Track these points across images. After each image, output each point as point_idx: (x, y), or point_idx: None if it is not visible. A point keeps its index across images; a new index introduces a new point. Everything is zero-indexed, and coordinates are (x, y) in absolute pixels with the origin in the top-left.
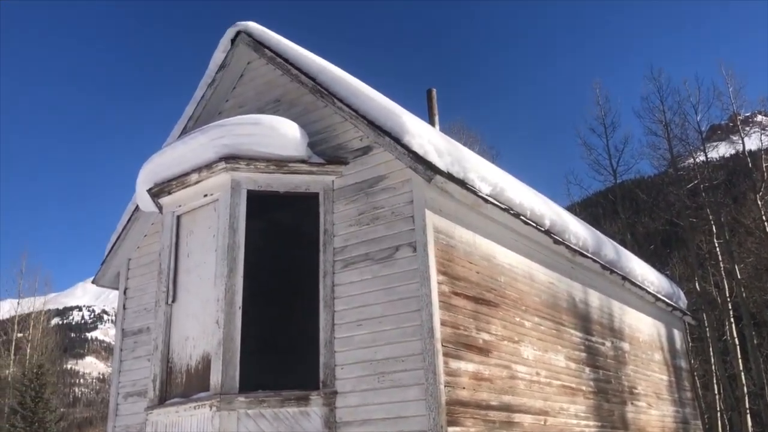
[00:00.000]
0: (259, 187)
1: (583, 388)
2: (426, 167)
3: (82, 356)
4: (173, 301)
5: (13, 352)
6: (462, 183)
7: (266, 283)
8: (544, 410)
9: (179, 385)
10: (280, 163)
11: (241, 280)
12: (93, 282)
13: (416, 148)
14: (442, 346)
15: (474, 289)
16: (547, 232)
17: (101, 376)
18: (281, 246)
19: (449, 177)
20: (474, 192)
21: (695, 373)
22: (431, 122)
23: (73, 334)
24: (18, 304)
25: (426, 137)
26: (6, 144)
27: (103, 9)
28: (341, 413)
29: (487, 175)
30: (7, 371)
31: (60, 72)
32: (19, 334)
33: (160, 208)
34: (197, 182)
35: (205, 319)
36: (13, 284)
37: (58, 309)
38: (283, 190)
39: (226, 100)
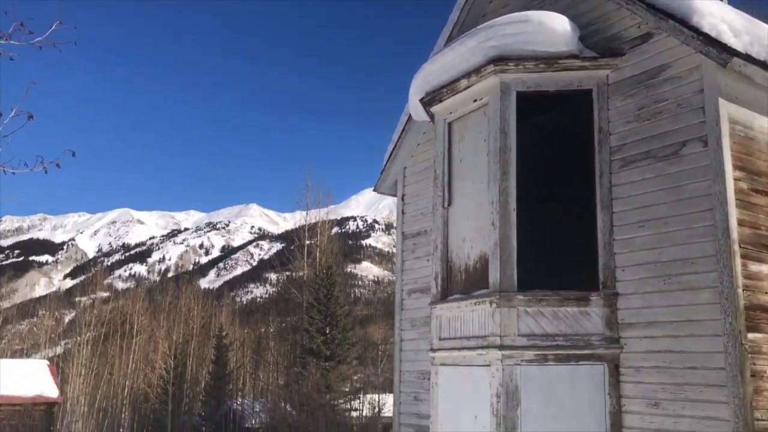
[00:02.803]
0: (528, 87)
1: None
2: (720, 50)
3: (359, 261)
4: (449, 205)
5: (305, 255)
6: (764, 65)
7: (538, 185)
8: None
9: (459, 283)
10: (549, 61)
11: (514, 182)
12: (374, 190)
13: (707, 29)
14: (740, 247)
15: None
16: None
17: (376, 279)
18: (551, 148)
19: (748, 59)
20: None
21: None
22: None
23: (350, 242)
24: (306, 214)
25: (718, 15)
26: (296, 68)
27: None
28: (623, 314)
29: None
30: (301, 272)
31: None
32: (308, 241)
33: (431, 116)
34: (466, 88)
35: (480, 221)
36: (301, 197)
37: (336, 219)
38: (553, 89)
39: (490, 1)
